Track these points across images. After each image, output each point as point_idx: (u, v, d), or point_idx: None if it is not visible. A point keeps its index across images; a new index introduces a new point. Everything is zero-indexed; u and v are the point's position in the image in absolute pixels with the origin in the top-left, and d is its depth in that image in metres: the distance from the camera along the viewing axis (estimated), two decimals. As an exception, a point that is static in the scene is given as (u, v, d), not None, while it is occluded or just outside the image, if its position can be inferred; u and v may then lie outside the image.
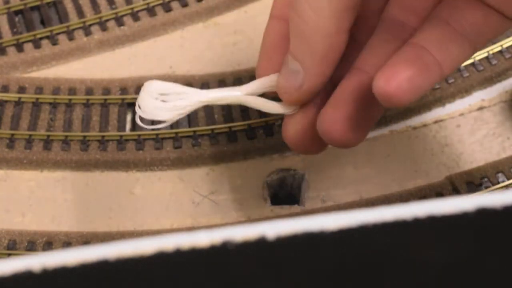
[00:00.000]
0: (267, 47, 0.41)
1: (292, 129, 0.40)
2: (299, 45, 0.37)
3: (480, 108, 0.54)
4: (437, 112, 0.53)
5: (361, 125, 0.38)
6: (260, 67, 0.41)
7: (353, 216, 0.23)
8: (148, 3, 0.58)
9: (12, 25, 0.57)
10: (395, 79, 0.34)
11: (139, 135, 0.52)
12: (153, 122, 0.40)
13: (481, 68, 0.54)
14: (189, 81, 0.54)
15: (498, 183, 0.50)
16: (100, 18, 0.57)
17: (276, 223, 0.23)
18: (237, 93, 0.39)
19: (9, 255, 0.47)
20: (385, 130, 0.53)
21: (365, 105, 0.37)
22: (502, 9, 0.37)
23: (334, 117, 0.37)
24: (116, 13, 0.57)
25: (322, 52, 0.37)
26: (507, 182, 0.49)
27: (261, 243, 0.23)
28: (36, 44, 0.56)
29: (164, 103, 0.38)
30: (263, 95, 0.40)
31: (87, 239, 0.48)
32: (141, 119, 0.39)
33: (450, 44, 0.37)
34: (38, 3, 0.58)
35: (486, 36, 0.38)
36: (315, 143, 0.40)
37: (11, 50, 0.56)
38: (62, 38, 0.57)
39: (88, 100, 0.53)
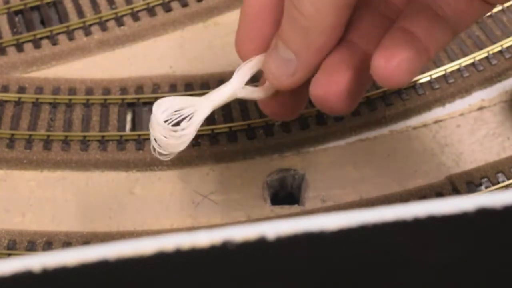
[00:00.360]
0: (248, 17, 0.41)
1: (271, 105, 0.42)
2: (295, 37, 0.38)
3: (480, 108, 0.54)
4: (437, 112, 0.53)
5: (353, 93, 0.39)
6: (240, 38, 0.41)
7: (353, 216, 0.23)
8: (148, 3, 0.58)
9: (12, 25, 0.57)
10: (395, 59, 0.36)
11: (139, 135, 0.52)
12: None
13: (481, 68, 0.54)
14: (189, 81, 0.54)
15: (498, 183, 0.50)
16: (100, 18, 0.57)
17: (276, 223, 0.23)
18: (232, 91, 0.39)
19: (9, 255, 0.47)
20: (385, 130, 0.53)
21: (356, 73, 0.38)
22: None
23: (328, 83, 0.38)
24: (116, 13, 0.57)
25: (319, 45, 0.38)
26: (507, 182, 0.49)
27: (261, 243, 0.23)
28: (36, 44, 0.56)
29: (173, 134, 0.38)
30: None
31: (87, 239, 0.48)
32: (159, 153, 0.38)
33: (435, 30, 0.38)
34: (38, 3, 0.58)
35: (467, 21, 0.39)
36: (290, 110, 0.42)
37: (11, 50, 0.56)
38: (62, 38, 0.56)
39: (88, 100, 0.53)
